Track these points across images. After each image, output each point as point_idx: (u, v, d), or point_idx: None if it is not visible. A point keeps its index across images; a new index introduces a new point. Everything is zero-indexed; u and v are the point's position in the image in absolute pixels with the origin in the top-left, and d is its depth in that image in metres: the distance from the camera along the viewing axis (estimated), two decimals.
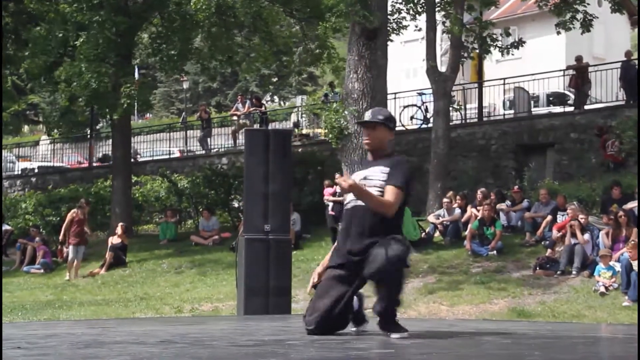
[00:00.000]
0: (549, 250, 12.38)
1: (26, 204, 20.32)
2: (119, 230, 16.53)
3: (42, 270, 17.07)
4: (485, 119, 20.16)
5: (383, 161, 4.81)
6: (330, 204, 15.52)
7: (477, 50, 18.34)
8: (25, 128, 46.47)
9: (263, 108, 25.34)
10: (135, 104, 18.69)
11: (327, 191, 15.83)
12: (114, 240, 16.54)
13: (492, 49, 17.64)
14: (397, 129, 19.66)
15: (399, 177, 4.67)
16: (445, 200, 14.79)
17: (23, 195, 22.97)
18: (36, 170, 27.53)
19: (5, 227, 19.84)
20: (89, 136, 27.44)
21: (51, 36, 18.37)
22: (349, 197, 4.88)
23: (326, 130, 14.49)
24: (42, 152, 33.82)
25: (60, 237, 16.15)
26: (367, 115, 4.93)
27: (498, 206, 14.35)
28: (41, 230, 18.82)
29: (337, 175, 4.84)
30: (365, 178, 4.79)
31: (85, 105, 18.77)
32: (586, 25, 16.82)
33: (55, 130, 22.94)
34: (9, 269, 17.73)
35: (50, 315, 11.28)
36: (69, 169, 27.09)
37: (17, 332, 5.10)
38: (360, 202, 4.73)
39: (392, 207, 4.62)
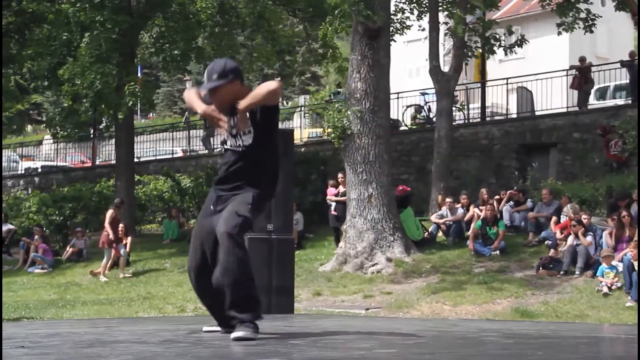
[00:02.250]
0: (552, 250, 12.37)
1: (30, 203, 20.37)
2: (120, 231, 16.55)
3: (42, 268, 17.06)
4: (488, 118, 20.15)
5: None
6: (333, 204, 15.53)
7: (480, 50, 18.35)
8: (29, 127, 46.56)
9: None
10: (139, 103, 18.73)
11: (330, 191, 15.84)
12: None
13: (495, 48, 17.68)
14: (400, 128, 19.97)
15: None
16: (448, 200, 14.80)
17: (26, 194, 23.02)
18: (39, 170, 27.60)
19: (8, 226, 19.91)
20: (92, 136, 27.48)
21: (54, 36, 18.39)
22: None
23: (329, 130, 14.48)
24: (46, 151, 33.88)
25: (111, 236, 16.05)
26: (205, 81, 4.42)
27: (502, 206, 14.38)
28: (44, 229, 18.85)
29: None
30: (235, 128, 4.44)
31: (90, 105, 18.83)
32: (589, 25, 16.80)
33: (59, 131, 23.00)
34: (13, 268, 17.76)
35: (54, 315, 11.31)
36: (72, 169, 27.14)
37: (20, 331, 5.11)
38: (237, 148, 4.47)
39: (274, 88, 4.29)
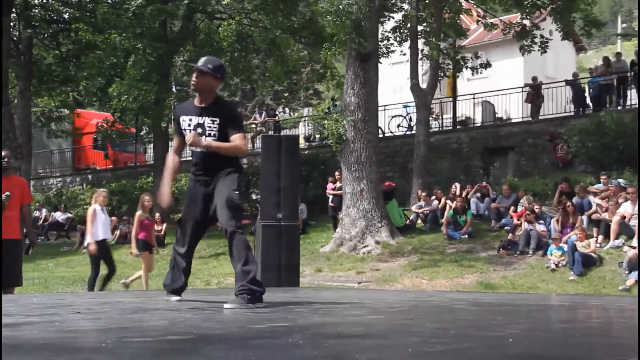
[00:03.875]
0: (510, 234, 12.37)
1: (84, 196, 20.43)
2: (157, 218, 16.54)
3: None
4: (458, 126, 20.10)
5: (211, 110, 4.40)
6: (331, 197, 15.51)
7: (452, 70, 18.33)
8: None
9: (276, 118, 25.30)
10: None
11: (329, 186, 15.83)
12: (155, 226, 16.53)
13: (464, 69, 17.71)
14: (386, 134, 19.93)
15: (238, 123, 4.48)
16: (423, 194, 14.80)
17: (82, 189, 23.01)
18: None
19: (67, 215, 19.96)
20: (134, 141, 27.42)
21: (104, 61, 18.42)
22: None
23: (328, 136, 14.47)
24: None
25: None
26: (200, 62, 4.47)
27: (469, 196, 14.36)
28: None
29: (188, 137, 4.42)
30: (201, 128, 4.43)
31: (135, 116, 18.83)
32: (543, 47, 16.74)
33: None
34: (71, 249, 17.85)
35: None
36: (118, 168, 27.09)
37: (77, 300, 5.11)
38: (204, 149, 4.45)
39: (245, 148, 4.46)
